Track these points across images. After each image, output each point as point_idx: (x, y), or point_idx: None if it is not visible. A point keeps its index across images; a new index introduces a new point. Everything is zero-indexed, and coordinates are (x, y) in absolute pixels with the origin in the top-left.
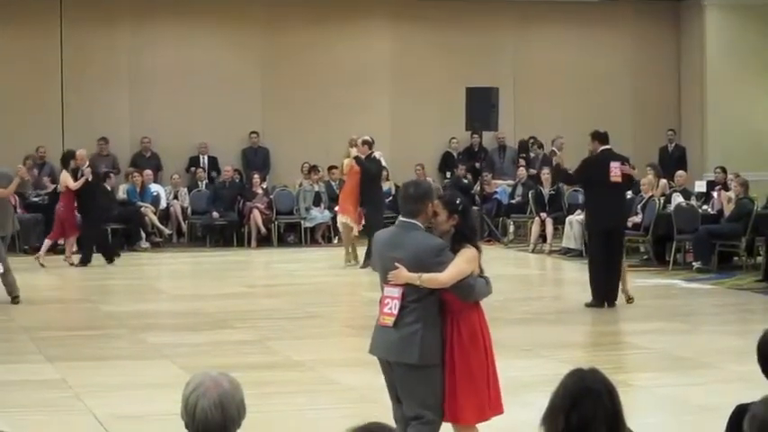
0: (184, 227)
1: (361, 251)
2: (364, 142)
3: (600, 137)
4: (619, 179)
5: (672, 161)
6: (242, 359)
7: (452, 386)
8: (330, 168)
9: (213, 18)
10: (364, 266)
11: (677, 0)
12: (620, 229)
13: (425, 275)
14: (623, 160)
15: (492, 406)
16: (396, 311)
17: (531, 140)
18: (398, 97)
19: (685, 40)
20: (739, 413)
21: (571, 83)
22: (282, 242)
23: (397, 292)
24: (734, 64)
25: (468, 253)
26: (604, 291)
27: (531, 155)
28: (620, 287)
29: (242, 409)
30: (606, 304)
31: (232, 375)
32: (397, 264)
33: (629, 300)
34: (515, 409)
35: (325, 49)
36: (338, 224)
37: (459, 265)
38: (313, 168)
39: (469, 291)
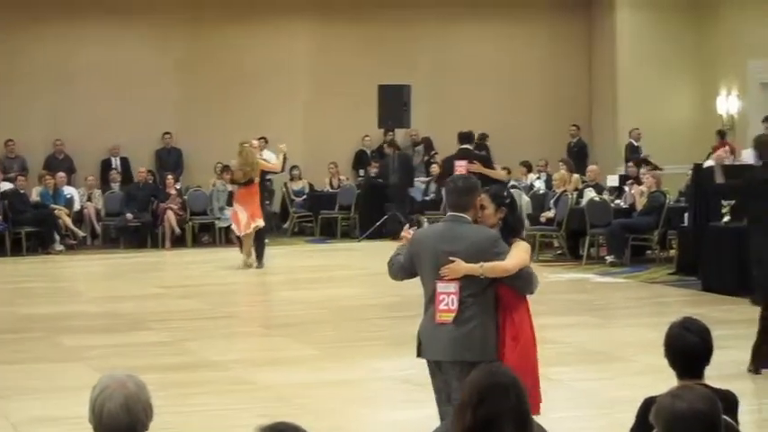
0: (98, 229)
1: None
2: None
3: (459, 136)
4: None
5: (572, 157)
6: (158, 360)
7: (531, 380)
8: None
9: (127, 19)
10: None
11: None
12: None
13: (487, 264)
14: (472, 159)
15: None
16: (455, 307)
17: (484, 135)
18: (312, 96)
19: (597, 37)
20: (647, 406)
21: (486, 79)
22: (197, 242)
23: (453, 287)
24: (645, 60)
25: (523, 244)
26: None
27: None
28: None
29: (149, 410)
30: None
31: (138, 376)
32: (452, 258)
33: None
34: (423, 405)
35: (239, 49)
36: (250, 228)
37: (520, 254)
38: (226, 168)
39: (530, 281)
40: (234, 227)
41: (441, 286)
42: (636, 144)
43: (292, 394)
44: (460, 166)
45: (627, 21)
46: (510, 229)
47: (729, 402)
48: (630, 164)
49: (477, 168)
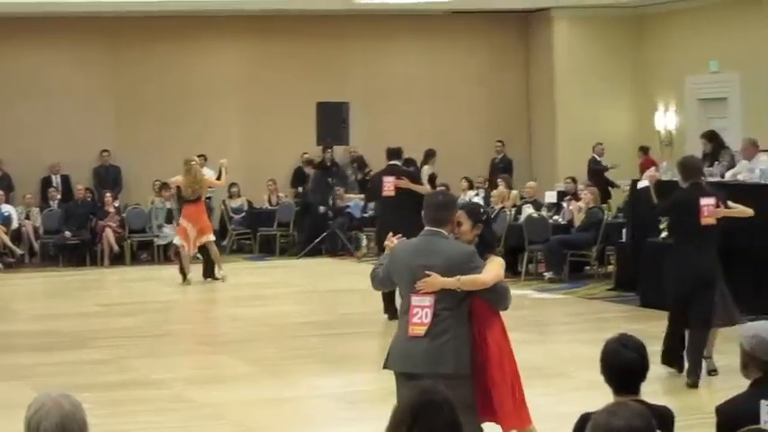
0: (36, 247)
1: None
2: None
3: (387, 152)
4: (391, 193)
5: (497, 173)
6: (99, 378)
7: (506, 394)
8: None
9: (64, 37)
10: (187, 283)
11: (526, 12)
12: None
13: (464, 277)
14: (400, 174)
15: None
16: (428, 320)
17: (430, 152)
18: (250, 112)
19: (534, 51)
20: (583, 422)
21: (423, 95)
22: (136, 260)
23: (428, 300)
24: (582, 74)
25: (498, 259)
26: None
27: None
28: None
29: (84, 429)
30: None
31: (73, 395)
32: (428, 272)
33: None
34: (363, 422)
35: (177, 67)
36: (200, 242)
37: (495, 268)
38: (164, 186)
39: (505, 295)
40: (180, 242)
41: (415, 300)
42: (599, 158)
43: (232, 412)
44: (388, 182)
45: (565, 35)
46: (486, 245)
47: (665, 419)
48: (568, 180)
49: (404, 184)
